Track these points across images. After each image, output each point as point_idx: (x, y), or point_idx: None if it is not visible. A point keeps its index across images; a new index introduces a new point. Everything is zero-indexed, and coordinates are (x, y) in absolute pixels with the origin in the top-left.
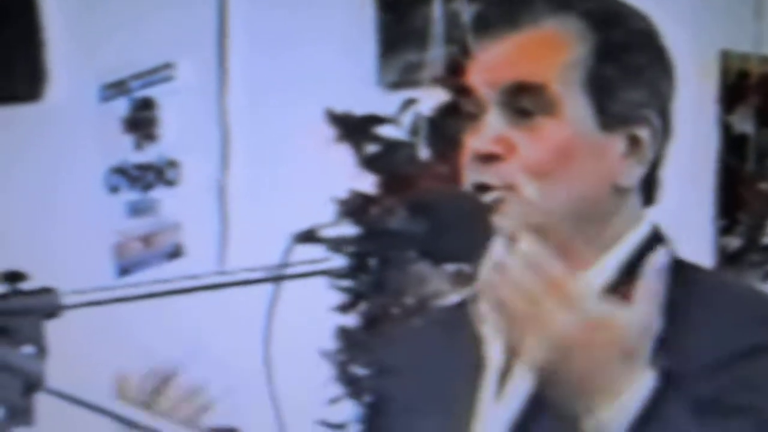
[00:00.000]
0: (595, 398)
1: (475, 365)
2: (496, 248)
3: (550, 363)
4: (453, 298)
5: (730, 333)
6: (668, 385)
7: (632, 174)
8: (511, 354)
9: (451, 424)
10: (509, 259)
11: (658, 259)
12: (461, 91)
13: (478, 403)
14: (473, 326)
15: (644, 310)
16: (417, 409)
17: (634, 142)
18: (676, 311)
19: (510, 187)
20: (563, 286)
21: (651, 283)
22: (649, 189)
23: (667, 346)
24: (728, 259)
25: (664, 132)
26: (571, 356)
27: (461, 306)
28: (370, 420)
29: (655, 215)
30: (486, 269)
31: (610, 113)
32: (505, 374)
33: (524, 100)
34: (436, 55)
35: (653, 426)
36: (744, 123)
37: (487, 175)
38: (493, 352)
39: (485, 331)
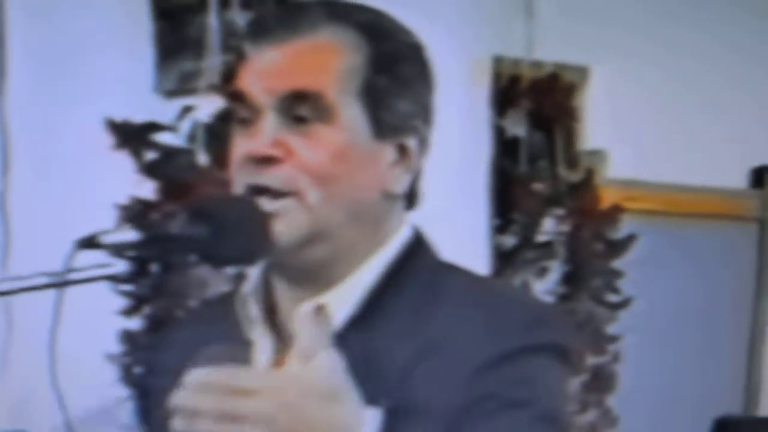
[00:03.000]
0: None
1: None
2: (171, 397)
3: None
4: (215, 293)
5: (495, 336)
6: (400, 420)
7: (401, 181)
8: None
9: None
10: (186, 396)
11: (300, 311)
12: (235, 96)
13: None
14: (239, 327)
15: (316, 358)
16: None
17: (402, 151)
18: (436, 317)
19: (293, 192)
20: (238, 386)
21: (306, 335)
22: (410, 195)
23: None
24: (504, 256)
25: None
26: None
27: (226, 304)
28: (142, 417)
29: (431, 216)
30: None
31: (382, 122)
32: None
33: (301, 108)
34: (212, 63)
35: None
36: (516, 126)
37: (266, 178)
38: (260, 353)
39: (252, 334)
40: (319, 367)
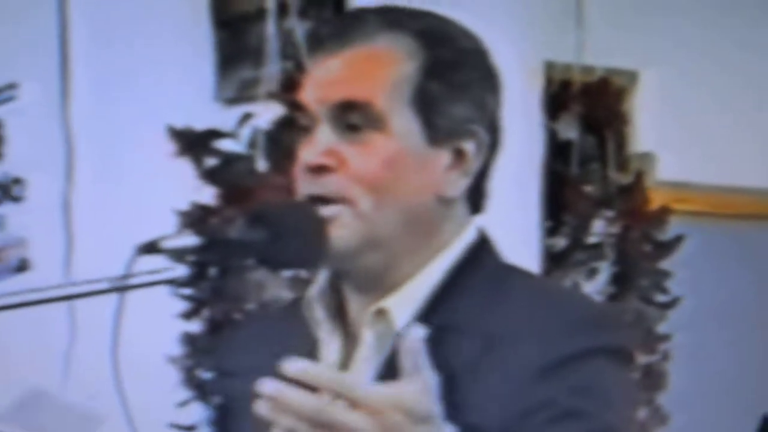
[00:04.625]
0: None
1: None
2: (266, 383)
3: None
4: (286, 299)
5: (557, 337)
6: None
7: (457, 185)
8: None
9: None
10: (285, 389)
11: (412, 334)
12: (295, 106)
13: None
14: (307, 328)
15: (416, 380)
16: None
17: (459, 155)
18: (500, 317)
19: (345, 200)
20: (343, 390)
21: (412, 357)
22: (476, 198)
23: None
24: (554, 258)
25: (492, 145)
26: None
27: (294, 307)
28: (219, 421)
29: (485, 218)
30: (263, 405)
31: (436, 128)
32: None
33: (352, 116)
34: (271, 71)
35: None
36: (568, 130)
37: (320, 186)
38: (329, 353)
39: (320, 334)
40: (419, 390)
